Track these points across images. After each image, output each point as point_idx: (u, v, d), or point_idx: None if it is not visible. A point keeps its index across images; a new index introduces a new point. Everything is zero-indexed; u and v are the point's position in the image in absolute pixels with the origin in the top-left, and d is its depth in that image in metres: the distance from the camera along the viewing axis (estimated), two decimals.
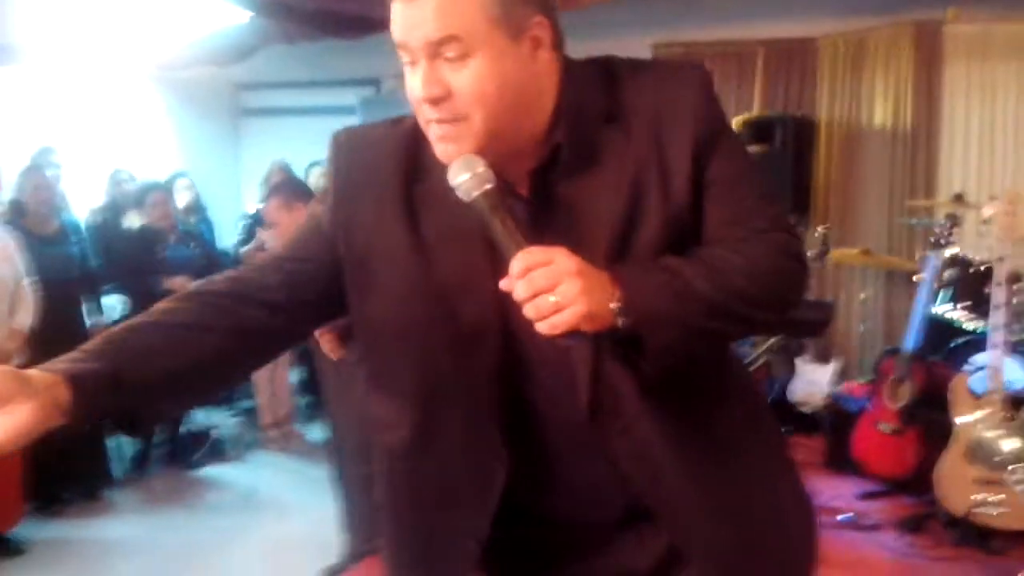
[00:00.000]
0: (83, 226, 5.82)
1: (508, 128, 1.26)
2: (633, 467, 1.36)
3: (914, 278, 4.67)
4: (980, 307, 4.42)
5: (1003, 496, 3.77)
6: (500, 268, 1.23)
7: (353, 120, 7.83)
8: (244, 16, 6.38)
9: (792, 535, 1.51)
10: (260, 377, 6.14)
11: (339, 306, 1.42)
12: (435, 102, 1.24)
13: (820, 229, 5.29)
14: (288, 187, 4.36)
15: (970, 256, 4.73)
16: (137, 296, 5.53)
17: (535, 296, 1.16)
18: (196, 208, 6.84)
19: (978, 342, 4.26)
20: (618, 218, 1.29)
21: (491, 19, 1.21)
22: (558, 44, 1.30)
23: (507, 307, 1.25)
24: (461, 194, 1.24)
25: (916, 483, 4.22)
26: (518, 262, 1.17)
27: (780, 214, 1.39)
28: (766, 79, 6.63)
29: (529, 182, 1.32)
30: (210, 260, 6.11)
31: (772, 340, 5.12)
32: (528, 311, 1.17)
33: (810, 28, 6.44)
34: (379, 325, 1.40)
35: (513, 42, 1.24)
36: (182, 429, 5.83)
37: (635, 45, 6.70)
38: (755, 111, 6.51)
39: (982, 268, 4.58)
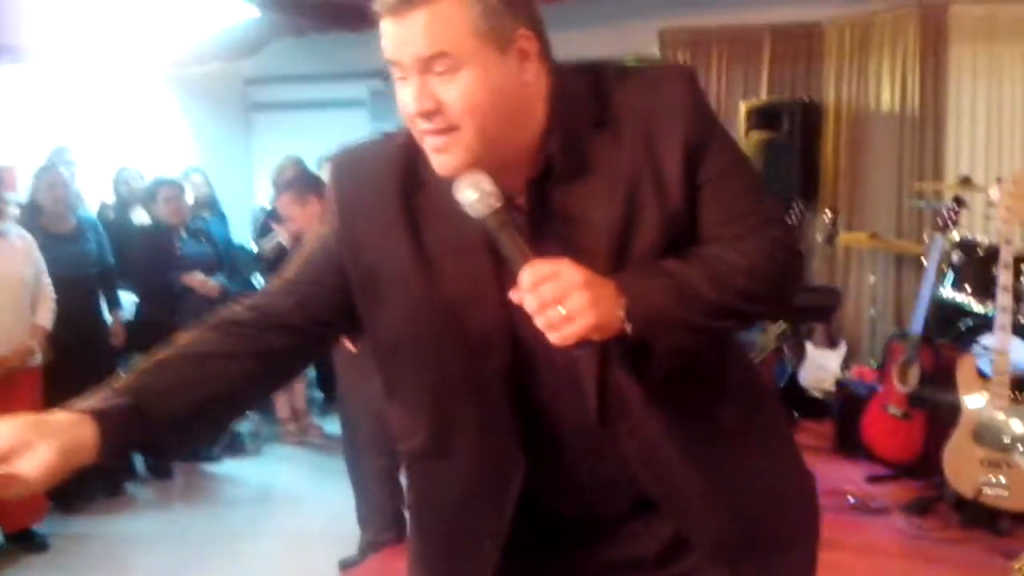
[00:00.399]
0: (105, 222, 5.87)
1: (500, 138, 1.29)
2: (641, 466, 1.40)
3: (922, 261, 4.70)
4: (987, 289, 4.44)
5: (1011, 477, 3.80)
6: (505, 276, 1.28)
7: (363, 112, 7.90)
8: (253, 11, 6.43)
9: (794, 520, 1.54)
10: None
11: (354, 322, 1.46)
12: (427, 116, 1.27)
13: (828, 213, 5.31)
14: (301, 181, 4.39)
15: (977, 238, 4.75)
16: (152, 293, 5.58)
17: (545, 309, 1.19)
18: (210, 203, 6.88)
19: (985, 324, 4.29)
20: (616, 225, 1.32)
21: (478, 34, 1.25)
22: (546, 55, 1.34)
23: (514, 314, 1.29)
24: (469, 211, 1.27)
25: (924, 466, 4.25)
26: (527, 276, 1.20)
27: (773, 207, 1.43)
28: (773, 64, 6.65)
29: (526, 192, 1.34)
30: (224, 255, 6.18)
31: (781, 326, 5.15)
32: (539, 323, 1.21)
33: (816, 12, 6.45)
34: (391, 339, 1.44)
35: (501, 55, 1.27)
36: None
37: (642, 32, 6.73)
38: (762, 96, 6.53)
39: (989, 250, 4.59)
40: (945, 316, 4.72)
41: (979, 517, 3.92)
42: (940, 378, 4.24)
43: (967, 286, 4.72)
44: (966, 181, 4.78)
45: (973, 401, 3.95)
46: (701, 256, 1.33)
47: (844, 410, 4.87)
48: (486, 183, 1.27)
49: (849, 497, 4.28)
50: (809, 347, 5.63)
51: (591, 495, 1.46)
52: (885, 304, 6.02)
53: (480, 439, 1.42)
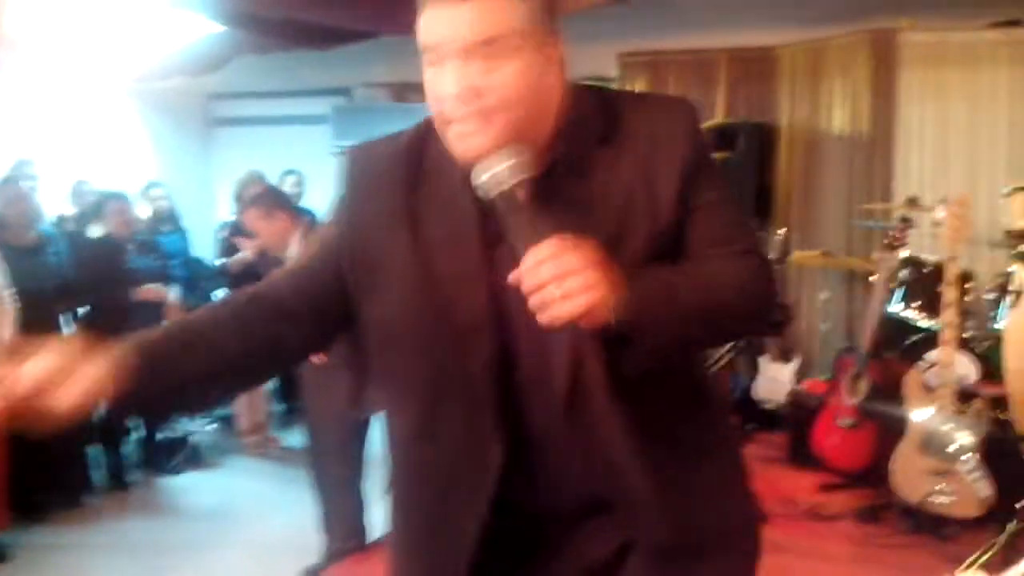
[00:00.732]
0: (58, 236, 5.86)
1: (522, 132, 1.35)
2: (596, 461, 1.46)
3: (870, 279, 4.84)
4: (933, 305, 4.57)
5: (955, 485, 3.93)
6: (494, 266, 1.37)
7: (325, 130, 7.95)
8: (217, 28, 6.47)
9: (734, 535, 1.61)
10: None
11: (348, 315, 1.52)
12: (466, 99, 1.32)
13: (780, 232, 5.44)
14: (267, 197, 4.44)
15: (923, 257, 4.90)
16: (101, 306, 5.52)
17: (543, 287, 1.23)
18: (170, 217, 6.89)
19: (932, 339, 4.41)
20: (606, 231, 1.36)
21: (524, 30, 1.33)
22: (563, 65, 1.43)
23: (500, 302, 1.38)
24: (485, 190, 1.32)
25: (873, 475, 4.37)
26: (531, 255, 1.24)
27: (754, 238, 1.53)
28: (728, 87, 6.80)
29: (527, 189, 1.37)
30: (182, 269, 6.20)
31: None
32: (534, 301, 1.24)
33: (771, 37, 6.61)
34: (385, 325, 1.50)
35: (537, 54, 1.36)
36: (159, 436, 5.89)
37: (602, 55, 6.86)
38: (718, 118, 6.67)
39: (935, 268, 4.73)
40: (894, 331, 4.85)
41: (925, 524, 4.05)
42: (888, 391, 4.38)
43: (915, 302, 4.86)
44: (913, 202, 4.93)
45: (919, 413, 4.09)
46: (690, 270, 1.42)
47: (796, 421, 5.00)
48: (505, 164, 1.32)
49: (799, 507, 4.40)
50: (762, 361, 5.77)
51: (553, 486, 1.51)
52: (836, 320, 6.17)
53: (464, 420, 1.47)
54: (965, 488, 3.92)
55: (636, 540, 1.52)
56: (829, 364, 5.41)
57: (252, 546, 4.70)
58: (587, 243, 1.26)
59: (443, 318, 1.43)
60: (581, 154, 1.41)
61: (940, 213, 4.22)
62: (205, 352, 1.46)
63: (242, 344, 1.48)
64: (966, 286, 4.60)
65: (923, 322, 4.79)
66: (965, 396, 4.03)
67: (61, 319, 5.29)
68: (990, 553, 3.63)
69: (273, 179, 6.79)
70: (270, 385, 6.55)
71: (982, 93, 5.98)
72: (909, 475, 4.06)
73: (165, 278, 5.90)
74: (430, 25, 1.34)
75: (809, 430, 4.73)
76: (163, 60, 7.06)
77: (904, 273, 4.85)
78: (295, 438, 5.95)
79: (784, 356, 5.65)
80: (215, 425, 6.52)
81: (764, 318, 1.54)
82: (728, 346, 5.33)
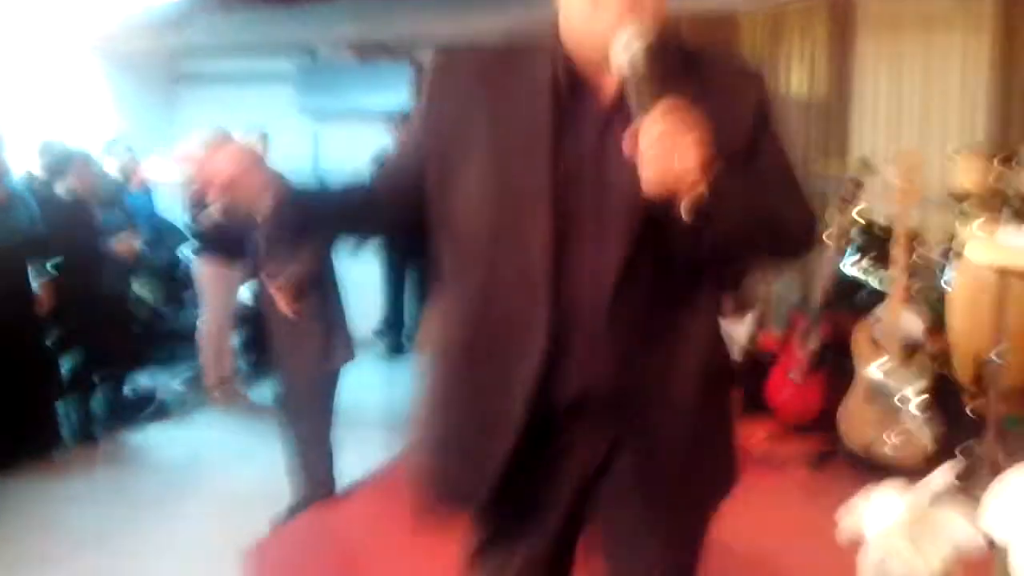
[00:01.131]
0: (29, 191, 5.88)
1: (656, 22, 1.51)
2: (616, 349, 1.59)
3: (823, 237, 5.00)
4: (883, 263, 4.75)
5: (900, 434, 4.13)
6: (559, 153, 1.54)
7: (288, 89, 7.97)
8: None
9: (719, 456, 1.77)
10: (204, 339, 6.32)
11: (421, 207, 1.69)
12: None
13: None
14: None
15: (875, 217, 5.07)
16: (73, 261, 5.57)
17: (658, 149, 1.37)
18: (135, 176, 6.91)
19: (881, 296, 4.59)
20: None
21: None
22: None
23: (563, 191, 1.54)
24: (623, 56, 1.47)
25: (823, 424, 4.55)
26: (653, 119, 1.38)
27: (804, 184, 1.70)
28: None
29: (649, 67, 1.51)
30: (144, 226, 6.25)
31: None
32: (647, 162, 1.38)
33: (730, 3, 6.72)
34: (456, 210, 1.63)
35: None
36: (126, 391, 5.97)
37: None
38: None
39: (885, 227, 4.89)
40: (846, 288, 5.02)
41: (872, 470, 4.23)
42: (838, 345, 4.55)
43: (866, 260, 5.03)
44: (864, 163, 5.08)
45: (866, 364, 4.28)
46: (768, 187, 1.58)
47: (750, 375, 5.16)
48: (643, 40, 1.47)
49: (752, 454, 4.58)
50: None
51: (581, 384, 1.61)
52: (791, 277, 6.33)
53: (515, 309, 1.60)
54: (909, 436, 4.11)
55: (628, 438, 1.65)
56: (784, 319, 5.58)
57: (221, 496, 4.81)
58: (696, 117, 1.39)
59: (510, 203, 1.58)
60: (670, 72, 1.50)
61: (891, 175, 4.38)
62: (334, 201, 1.73)
63: (369, 206, 1.72)
64: (915, 245, 4.77)
65: (873, 279, 4.95)
66: (911, 349, 4.22)
67: (30, 273, 5.32)
68: None
69: (238, 137, 6.82)
70: (237, 340, 6.63)
71: (936, 59, 6.15)
72: (856, 424, 4.25)
73: (132, 233, 5.94)
74: None
75: (762, 382, 4.91)
76: (127, 18, 7.05)
77: (856, 231, 5.01)
78: (264, 392, 6.04)
79: (740, 312, 5.80)
80: (183, 380, 6.59)
81: (804, 250, 1.70)
82: None
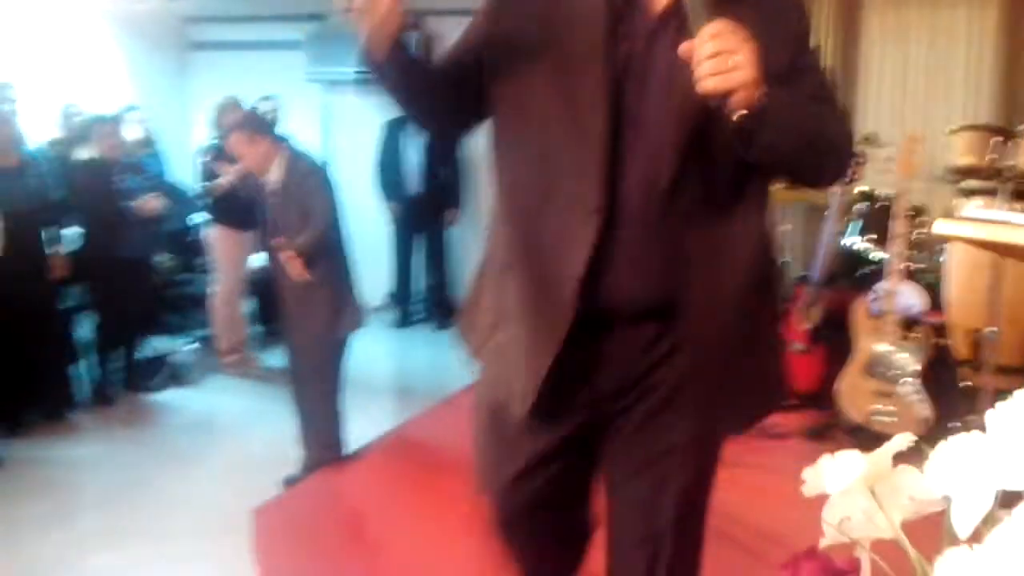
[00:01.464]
0: (46, 157, 5.95)
1: None
2: (674, 249, 1.68)
3: (827, 212, 5.06)
4: (885, 238, 4.80)
5: (896, 407, 4.21)
6: (610, 55, 1.65)
7: (299, 55, 8.01)
8: None
9: (770, 365, 1.89)
10: (216, 306, 6.41)
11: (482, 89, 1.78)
12: None
13: None
14: (250, 121, 4.59)
15: (877, 191, 5.12)
16: (96, 225, 5.71)
17: (719, 54, 1.46)
18: (146, 141, 6.97)
19: (883, 271, 4.65)
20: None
21: None
22: None
23: (620, 82, 1.65)
24: None
25: (822, 397, 4.64)
26: (713, 26, 1.47)
27: (841, 102, 1.82)
28: None
29: (663, 6, 1.67)
30: (162, 192, 6.30)
31: None
32: (705, 67, 1.46)
33: None
34: (517, 95, 1.74)
35: None
36: (139, 355, 6.08)
37: None
38: None
39: (887, 202, 4.93)
40: (848, 262, 5.09)
41: (869, 442, 4.31)
42: (839, 318, 4.62)
43: (868, 235, 5.09)
44: (868, 138, 5.12)
45: (865, 339, 4.35)
46: (814, 105, 1.68)
47: None
48: None
49: None
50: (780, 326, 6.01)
51: (630, 275, 1.70)
52: (796, 252, 6.39)
53: (571, 188, 1.69)
54: (906, 409, 4.19)
55: (687, 339, 1.72)
56: (788, 293, 5.64)
57: (232, 459, 4.91)
58: (742, 35, 1.48)
59: (569, 90, 1.68)
60: None
61: (892, 151, 4.43)
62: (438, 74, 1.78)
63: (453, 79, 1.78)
64: (916, 220, 4.82)
65: (875, 254, 5.01)
66: (909, 324, 4.29)
67: (44, 237, 5.41)
68: None
69: (249, 104, 6.88)
70: (249, 307, 6.72)
71: (942, 35, 6.17)
72: (854, 397, 4.33)
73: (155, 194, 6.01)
74: None
75: None
76: None
77: (859, 207, 5.06)
78: (274, 358, 6.13)
79: None
80: (195, 345, 6.69)
81: (845, 167, 1.86)
82: None
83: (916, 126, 5.72)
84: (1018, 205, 3.96)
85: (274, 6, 8.14)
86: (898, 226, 4.32)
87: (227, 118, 5.82)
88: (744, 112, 1.49)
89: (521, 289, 1.77)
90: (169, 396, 5.96)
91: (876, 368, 4.28)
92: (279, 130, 6.65)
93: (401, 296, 7.84)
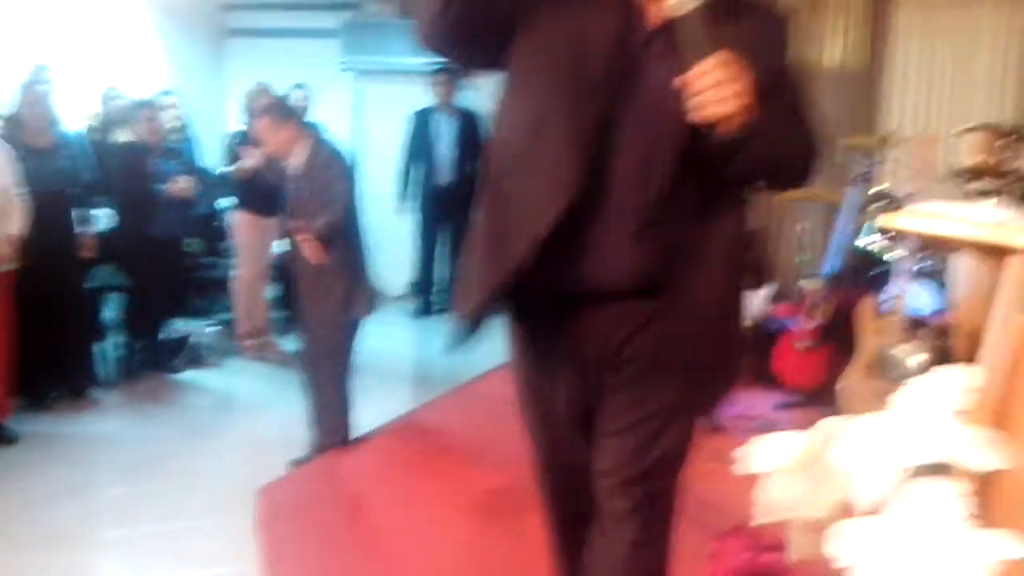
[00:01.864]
0: (80, 140, 6.08)
1: None
2: (654, 237, 1.81)
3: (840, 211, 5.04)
4: (897, 239, 4.78)
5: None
6: (613, 54, 1.77)
7: (334, 44, 8.10)
8: None
9: (730, 334, 2.00)
10: (238, 290, 6.52)
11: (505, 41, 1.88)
12: None
13: None
14: (278, 108, 4.68)
15: (892, 191, 5.08)
16: (130, 206, 5.85)
17: (710, 86, 1.61)
18: (181, 126, 7.08)
19: (894, 271, 4.64)
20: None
21: None
22: None
23: (613, 82, 1.77)
24: (680, 8, 1.69)
25: (826, 395, 4.62)
26: (710, 61, 1.61)
27: (815, 119, 1.93)
28: None
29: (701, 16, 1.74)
30: (193, 175, 6.42)
31: None
32: (699, 96, 1.62)
33: None
34: (532, 56, 1.85)
35: None
36: (161, 336, 6.21)
37: None
38: None
39: (902, 203, 4.92)
40: (862, 262, 5.07)
41: None
42: (846, 317, 4.61)
43: (880, 236, 5.06)
44: (884, 138, 5.09)
45: (871, 338, 4.33)
46: (790, 120, 1.83)
47: (759, 344, 5.24)
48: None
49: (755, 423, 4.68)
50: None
51: (608, 259, 1.84)
52: (814, 250, 6.37)
53: (557, 158, 1.81)
54: None
55: (667, 310, 1.86)
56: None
57: (245, 438, 5.02)
58: (740, 65, 1.63)
59: (574, 76, 1.80)
60: (718, 8, 1.71)
61: (906, 152, 4.41)
62: None
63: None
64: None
65: (888, 256, 4.99)
66: (916, 324, 4.27)
67: (74, 217, 5.53)
68: None
69: (282, 92, 6.97)
70: (272, 292, 6.82)
71: (969, 35, 6.11)
72: (857, 395, 4.31)
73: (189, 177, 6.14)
74: None
75: (769, 352, 4.98)
76: None
77: (873, 207, 5.04)
78: (293, 343, 6.20)
79: (757, 283, 5.87)
80: (217, 328, 6.82)
81: (809, 175, 1.93)
82: None
83: (940, 125, 5.69)
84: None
85: None
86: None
87: (255, 104, 5.93)
88: (733, 134, 1.65)
89: (487, 239, 1.93)
90: (189, 376, 6.09)
91: (879, 367, 4.27)
92: (309, 118, 6.77)
93: (423, 286, 7.91)
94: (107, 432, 5.08)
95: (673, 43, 1.70)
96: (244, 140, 6.20)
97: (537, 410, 2.10)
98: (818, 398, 4.73)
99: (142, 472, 4.47)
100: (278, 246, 6.41)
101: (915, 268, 4.35)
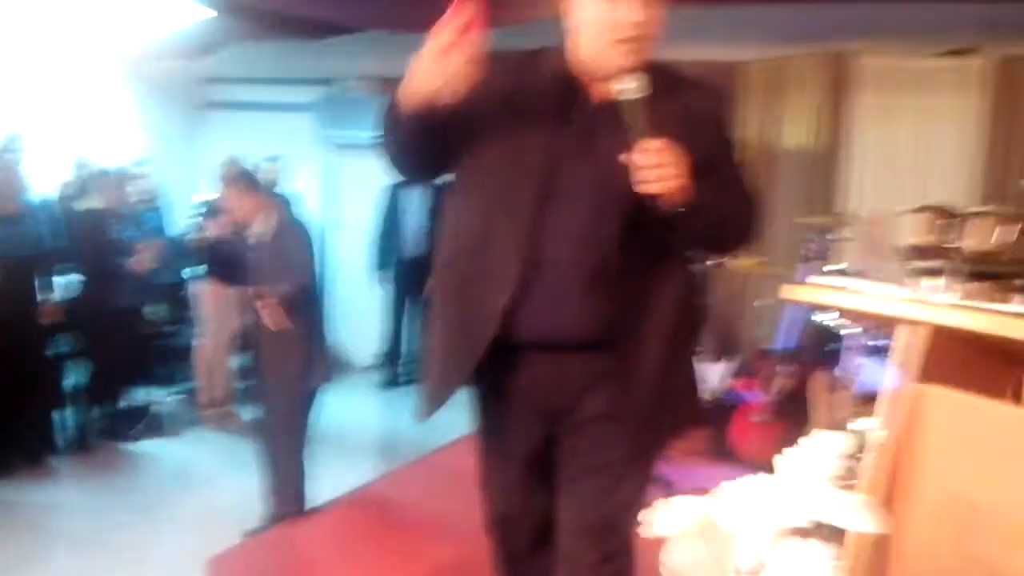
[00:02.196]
0: (48, 207, 6.10)
1: (647, 58, 1.95)
2: (604, 296, 1.97)
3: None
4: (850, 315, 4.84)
5: (850, 480, 4.20)
6: (554, 133, 1.98)
7: (309, 118, 8.21)
8: (209, 13, 6.72)
9: (678, 416, 2.16)
10: (201, 359, 6.51)
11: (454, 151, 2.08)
12: (637, 28, 1.92)
13: None
14: (244, 177, 4.74)
15: (846, 268, 5.15)
16: (93, 274, 5.86)
17: (652, 168, 1.82)
18: (152, 195, 7.12)
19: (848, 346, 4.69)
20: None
21: None
22: None
23: (552, 161, 1.96)
24: (624, 94, 1.90)
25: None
26: (650, 144, 1.83)
27: (752, 186, 2.11)
28: None
29: (601, 99, 1.99)
30: (158, 245, 6.45)
31: None
32: (642, 175, 1.82)
33: (733, 54, 6.85)
34: (477, 158, 2.04)
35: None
36: (122, 404, 6.18)
37: None
38: None
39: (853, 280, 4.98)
40: (817, 337, 5.11)
41: None
42: (800, 392, 4.66)
43: (834, 312, 5.11)
44: (837, 217, 5.19)
45: (823, 413, 4.37)
46: (723, 195, 1.98)
47: (716, 418, 5.27)
48: (638, 80, 1.89)
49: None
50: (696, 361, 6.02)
51: (561, 317, 2.00)
52: (771, 325, 6.40)
53: (509, 238, 1.99)
54: (859, 481, 4.19)
55: (615, 370, 2.02)
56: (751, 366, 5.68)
57: (201, 509, 4.99)
58: (675, 149, 1.83)
59: (514, 157, 2.00)
60: (659, 88, 1.92)
61: (851, 232, 4.49)
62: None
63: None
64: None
65: (841, 331, 5.04)
66: (865, 399, 4.30)
67: (38, 284, 5.53)
68: None
69: (254, 163, 7.04)
70: (235, 361, 6.80)
71: (929, 115, 6.27)
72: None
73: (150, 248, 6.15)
74: None
75: (726, 426, 5.00)
76: (157, 42, 7.32)
77: None
78: (256, 413, 6.18)
79: (717, 356, 5.91)
80: (179, 396, 6.79)
81: (748, 242, 2.14)
82: None
83: (900, 205, 5.76)
84: (970, 286, 3.98)
85: (288, 70, 8.37)
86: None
87: (224, 173, 5.98)
88: (672, 208, 1.85)
89: (451, 317, 2.09)
90: (148, 445, 6.05)
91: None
92: (282, 189, 6.84)
93: (391, 356, 7.92)
94: (63, 501, 5.06)
95: (618, 118, 1.89)
96: (211, 209, 6.25)
97: (494, 457, 2.21)
98: (768, 472, 4.74)
99: (97, 543, 4.43)
100: (242, 315, 6.41)
101: (867, 343, 4.40)
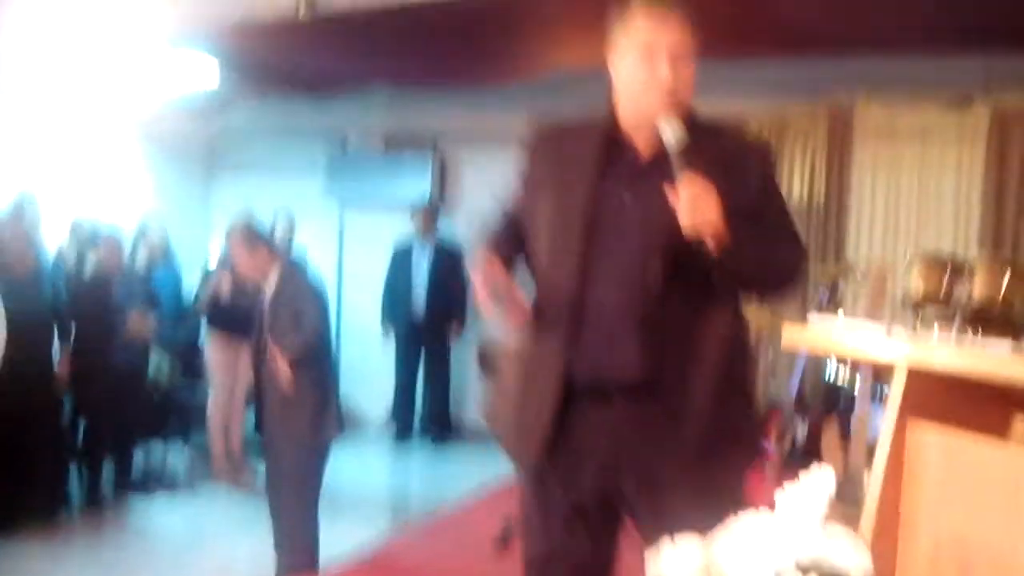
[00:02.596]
0: (58, 267, 6.17)
1: (684, 111, 2.06)
2: (651, 337, 2.04)
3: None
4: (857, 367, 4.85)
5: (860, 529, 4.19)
6: (606, 193, 2.10)
7: (318, 178, 8.30)
8: (219, 72, 6.84)
9: (740, 432, 2.18)
10: (213, 414, 6.53)
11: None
12: (674, 84, 2.03)
13: None
14: (252, 232, 4.78)
15: (851, 315, 5.18)
16: (89, 336, 5.82)
17: (695, 208, 1.91)
18: (164, 255, 7.18)
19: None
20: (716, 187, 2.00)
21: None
22: None
23: (598, 208, 2.08)
24: (670, 143, 1.99)
25: None
26: (692, 185, 1.93)
27: (799, 233, 2.20)
28: None
29: (654, 153, 2.10)
30: (174, 306, 6.53)
31: None
32: (685, 213, 1.92)
33: (736, 107, 6.93)
34: (539, 232, 2.19)
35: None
36: (134, 460, 6.19)
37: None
38: None
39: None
40: (826, 389, 5.13)
41: None
42: (812, 444, 4.65)
43: (841, 364, 5.13)
44: (843, 268, 5.22)
45: (836, 462, 4.37)
46: (769, 238, 2.06)
47: None
48: (678, 128, 1.99)
49: None
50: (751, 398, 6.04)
51: (611, 359, 2.07)
52: (782, 377, 6.42)
53: (560, 302, 2.12)
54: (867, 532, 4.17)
55: (661, 411, 2.06)
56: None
57: (212, 566, 4.98)
58: (713, 196, 1.92)
59: (563, 230, 2.13)
60: (696, 137, 2.01)
61: (862, 282, 4.52)
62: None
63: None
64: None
65: (849, 382, 5.05)
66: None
67: (53, 345, 5.58)
68: None
69: (266, 221, 7.11)
70: (250, 415, 6.81)
71: (931, 167, 6.33)
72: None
73: (146, 312, 6.19)
74: (647, 24, 2.07)
75: None
76: (166, 102, 7.45)
77: None
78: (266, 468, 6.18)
79: None
80: (191, 451, 6.80)
81: (793, 284, 2.19)
82: None
83: (905, 255, 5.82)
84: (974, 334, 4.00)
85: (298, 129, 8.49)
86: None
87: (232, 229, 6.04)
88: (714, 241, 1.93)
89: (527, 367, 2.22)
90: (160, 501, 6.05)
91: (842, 492, 4.28)
92: (292, 246, 6.90)
93: (402, 411, 7.92)
94: (76, 557, 5.04)
95: (660, 166, 2.01)
96: (221, 265, 6.32)
97: (540, 503, 2.23)
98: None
99: None
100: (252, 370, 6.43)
101: (878, 392, 4.40)
